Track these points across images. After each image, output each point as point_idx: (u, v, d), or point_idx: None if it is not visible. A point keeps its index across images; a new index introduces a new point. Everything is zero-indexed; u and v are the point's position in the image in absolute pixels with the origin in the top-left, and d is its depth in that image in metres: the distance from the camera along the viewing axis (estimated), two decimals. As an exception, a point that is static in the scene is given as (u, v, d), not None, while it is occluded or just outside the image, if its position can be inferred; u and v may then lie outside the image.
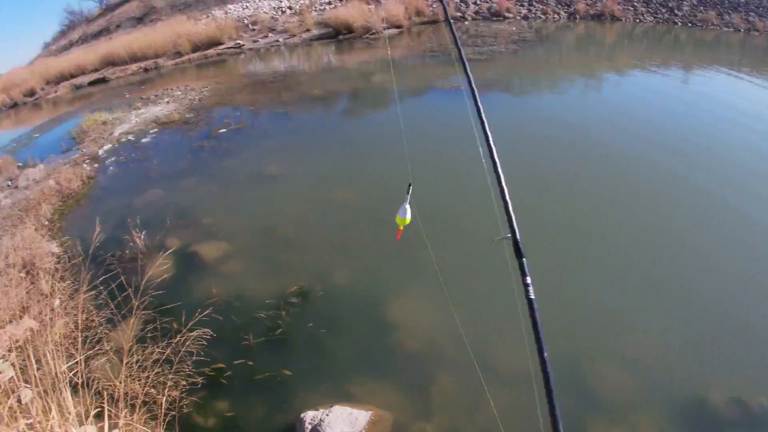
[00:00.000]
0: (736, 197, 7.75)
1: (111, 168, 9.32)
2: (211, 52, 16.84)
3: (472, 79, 3.01)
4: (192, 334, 4.44)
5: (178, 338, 4.42)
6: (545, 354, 2.25)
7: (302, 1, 21.08)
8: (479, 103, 3.07)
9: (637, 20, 29.12)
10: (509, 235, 2.57)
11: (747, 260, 6.63)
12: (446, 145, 8.93)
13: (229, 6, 21.29)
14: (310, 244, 6.51)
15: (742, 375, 5.25)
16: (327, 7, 21.17)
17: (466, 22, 23.04)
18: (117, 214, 7.43)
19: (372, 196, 7.56)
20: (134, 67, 17.84)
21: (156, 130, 10.64)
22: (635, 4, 30.92)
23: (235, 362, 4.80)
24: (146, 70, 17.26)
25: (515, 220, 2.60)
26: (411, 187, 3.33)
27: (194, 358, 4.43)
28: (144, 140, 10.17)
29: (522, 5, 26.34)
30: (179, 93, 13.06)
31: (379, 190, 7.70)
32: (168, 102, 12.44)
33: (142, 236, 6.29)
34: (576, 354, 5.09)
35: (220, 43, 17.29)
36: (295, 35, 18.25)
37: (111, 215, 7.37)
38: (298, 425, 4.28)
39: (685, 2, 34.11)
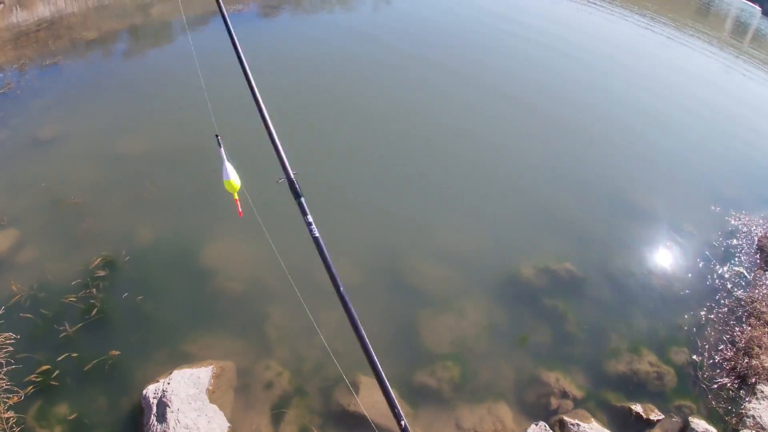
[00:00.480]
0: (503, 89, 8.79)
1: None
2: None
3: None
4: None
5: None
6: (341, 289, 2.60)
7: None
8: (234, 38, 2.96)
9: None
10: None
11: (527, 140, 7.70)
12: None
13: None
14: (105, 207, 6.26)
15: (545, 248, 6.31)
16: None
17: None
18: None
19: (163, 142, 7.44)
20: None
21: None
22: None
23: (59, 358, 4.59)
24: None
25: (286, 161, 2.71)
26: (220, 139, 3.04)
27: (10, 368, 4.21)
28: None
29: None
30: None
31: (171, 134, 7.66)
32: None
33: None
34: (394, 260, 5.69)
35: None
36: (56, -30, 16.39)
37: None
38: (144, 403, 4.24)
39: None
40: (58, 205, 6.29)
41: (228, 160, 3.04)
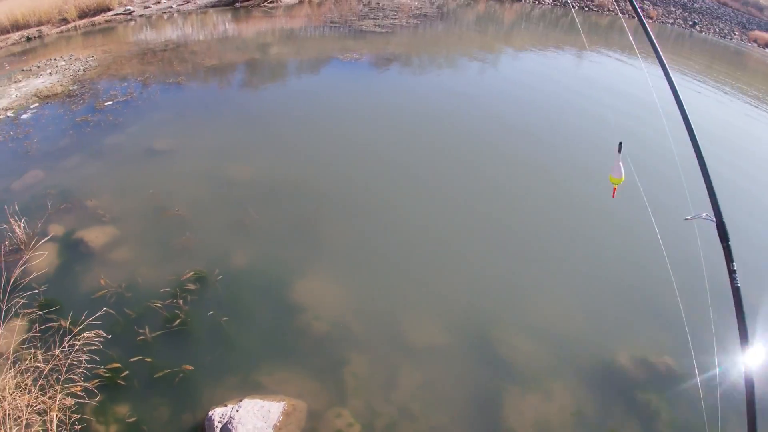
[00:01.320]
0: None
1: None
2: (99, 18, 15.75)
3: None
4: (84, 334, 4.10)
5: (66, 340, 4.05)
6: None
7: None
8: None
9: (536, 2, 30.07)
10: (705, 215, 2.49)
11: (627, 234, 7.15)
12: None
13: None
14: (205, 224, 6.28)
15: (645, 336, 5.70)
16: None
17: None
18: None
19: (269, 174, 7.45)
20: (16, 35, 16.51)
21: (37, 104, 9.91)
22: (536, -15, 31.85)
23: (132, 360, 4.49)
24: (29, 39, 16.05)
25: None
26: (622, 145, 3.12)
27: (87, 357, 4.07)
28: (24, 116, 9.47)
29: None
30: (63, 63, 12.22)
31: (277, 167, 7.66)
32: (51, 73, 11.62)
33: (22, 224, 5.74)
34: (485, 326, 5.32)
35: (109, 9, 16.23)
36: (189, 1, 17.45)
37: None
38: (207, 425, 4.02)
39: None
40: (161, 213, 6.38)
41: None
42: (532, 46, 19.07)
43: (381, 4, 21.09)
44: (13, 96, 10.53)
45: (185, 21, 16.21)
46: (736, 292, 2.22)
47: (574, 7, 31.94)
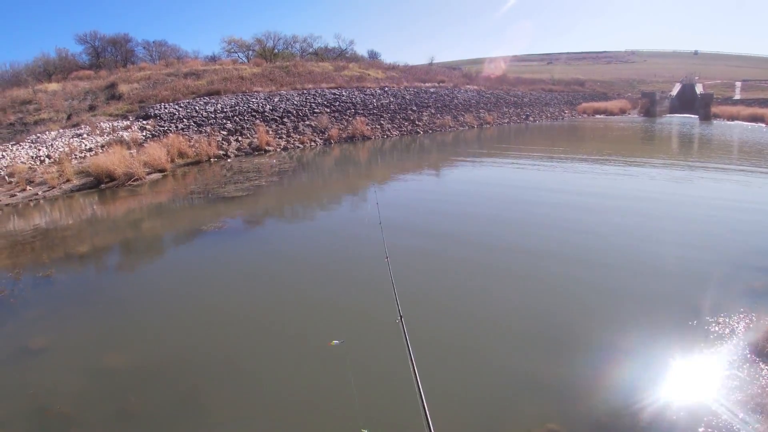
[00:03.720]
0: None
1: None
2: None
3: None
4: None
5: None
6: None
7: (61, 149, 20.81)
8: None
9: (385, 136, 33.58)
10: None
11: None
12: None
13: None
14: (90, 418, 6.41)
15: (525, 409, 6.18)
16: (88, 154, 21.09)
17: (229, 159, 24.64)
18: None
19: (147, 357, 7.79)
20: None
21: None
22: (381, 122, 35.63)
23: None
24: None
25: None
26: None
27: None
28: None
29: (281, 137, 28.91)
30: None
31: (154, 349, 8.04)
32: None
33: None
34: None
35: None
36: (54, 186, 17.89)
37: None
38: None
39: (424, 113, 40.26)
40: (44, 413, 6.45)
41: None
42: (393, 174, 21.49)
43: (243, 167, 22.77)
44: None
45: (52, 207, 16.42)
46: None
47: (419, 132, 35.94)
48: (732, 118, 40.03)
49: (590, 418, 6.06)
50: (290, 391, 7.05)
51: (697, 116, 42.17)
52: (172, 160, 22.26)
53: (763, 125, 36.60)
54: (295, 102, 33.37)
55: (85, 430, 6.24)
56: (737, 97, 47.86)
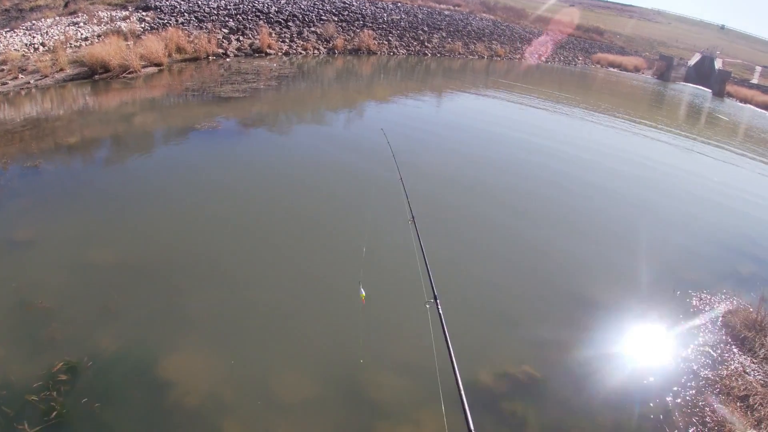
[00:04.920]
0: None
1: None
2: None
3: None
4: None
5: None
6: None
7: (56, 38, 20.01)
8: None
9: (392, 53, 32.52)
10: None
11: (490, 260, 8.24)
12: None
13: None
14: (73, 313, 6.44)
15: (503, 351, 6.49)
16: (83, 43, 20.27)
17: (228, 59, 23.87)
18: None
19: (132, 255, 7.78)
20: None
21: None
22: (389, 38, 34.42)
23: None
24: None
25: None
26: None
27: None
28: None
29: (283, 41, 27.90)
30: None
31: (140, 247, 8.04)
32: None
33: None
34: (352, 371, 5.92)
35: (-38, 87, 15.78)
36: (47, 75, 17.31)
37: None
38: None
39: (434, 35, 38.91)
40: (26, 307, 6.47)
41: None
42: (394, 94, 21.41)
43: (241, 68, 22.18)
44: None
45: (44, 96, 15.98)
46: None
47: (427, 54, 34.95)
48: (745, 100, 38.91)
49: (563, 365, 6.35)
50: (275, 301, 7.16)
51: (710, 90, 40.91)
52: (170, 55, 21.48)
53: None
54: (302, 6, 32.04)
55: (66, 325, 6.28)
56: (755, 81, 46.49)
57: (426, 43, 37.22)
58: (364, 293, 4.40)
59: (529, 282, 8.30)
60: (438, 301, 3.88)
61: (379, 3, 38.83)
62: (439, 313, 3.77)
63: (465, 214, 10.42)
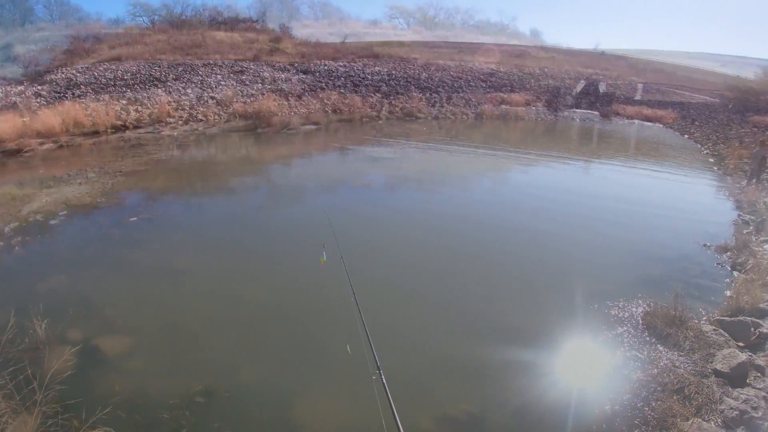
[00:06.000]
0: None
1: (16, 248, 8.91)
2: (129, 134, 16.90)
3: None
4: None
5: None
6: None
7: (225, 92, 21.79)
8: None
9: (539, 118, 31.69)
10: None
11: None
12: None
13: (154, 90, 21.61)
14: (217, 342, 6.45)
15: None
16: (248, 100, 21.98)
17: (380, 121, 24.50)
18: (18, 298, 7.07)
19: (281, 295, 7.74)
20: (50, 141, 17.66)
21: (66, 212, 10.44)
22: (538, 104, 33.88)
23: None
24: (61, 146, 17.16)
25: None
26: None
27: None
28: (52, 222, 9.95)
29: (433, 106, 28.37)
30: (93, 175, 12.98)
31: (288, 289, 7.96)
32: (80, 183, 12.34)
33: (43, 325, 6.00)
34: None
35: (140, 127, 17.40)
36: (215, 125, 18.77)
37: (12, 299, 7.05)
38: None
39: (583, 101, 37.94)
40: (175, 328, 6.61)
41: None
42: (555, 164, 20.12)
43: (393, 131, 22.51)
44: (44, 200, 11.16)
45: (210, 143, 17.29)
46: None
47: (575, 120, 33.60)
48: (631, 117, 35.66)
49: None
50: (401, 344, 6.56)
51: (598, 113, 37.88)
52: (327, 114, 22.66)
53: (660, 125, 32.73)
54: (452, 73, 32.62)
55: (208, 351, 6.29)
56: (638, 97, 43.88)
57: (575, 108, 36.36)
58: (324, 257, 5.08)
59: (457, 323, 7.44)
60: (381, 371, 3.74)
61: (526, 68, 38.67)
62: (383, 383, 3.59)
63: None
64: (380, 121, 24.90)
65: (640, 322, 7.17)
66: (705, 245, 9.89)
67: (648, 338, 6.83)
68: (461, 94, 31.18)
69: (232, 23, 42.18)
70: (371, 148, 18.86)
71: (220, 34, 33.74)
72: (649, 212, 12.52)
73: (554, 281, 8.71)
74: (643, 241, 10.38)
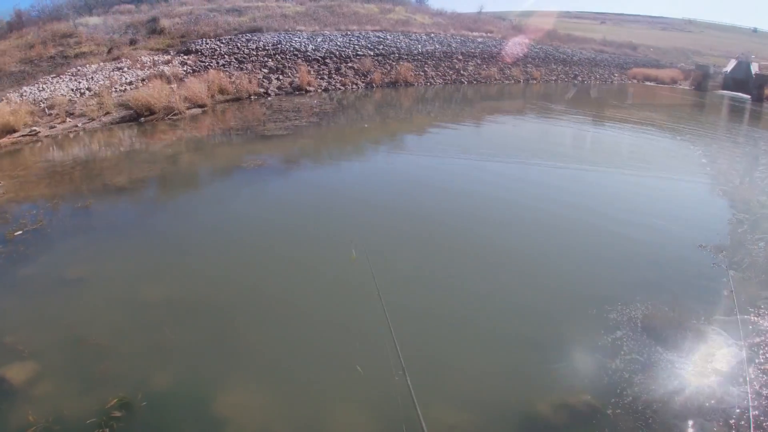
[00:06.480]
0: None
1: None
2: (4, 141, 15.68)
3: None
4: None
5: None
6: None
7: (101, 82, 20.60)
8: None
9: (429, 83, 32.51)
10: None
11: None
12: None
13: (25, 88, 19.95)
14: (125, 350, 6.33)
15: (558, 382, 5.98)
16: (128, 87, 20.87)
17: (269, 98, 24.19)
18: None
19: (183, 292, 7.64)
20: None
21: None
22: (425, 69, 34.51)
23: None
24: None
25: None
26: None
27: None
28: None
29: (322, 78, 28.24)
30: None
31: (190, 284, 7.89)
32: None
33: None
34: (410, 408, 5.53)
35: (14, 131, 16.20)
36: (94, 119, 17.72)
37: None
38: None
39: (469, 63, 38.86)
40: (80, 343, 6.38)
41: None
42: (433, 125, 20.91)
43: (282, 106, 22.41)
44: None
45: (92, 139, 16.32)
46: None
47: (463, 82, 34.82)
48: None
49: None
50: (324, 332, 6.85)
51: (749, 96, 39.52)
52: (212, 96, 21.90)
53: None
54: (339, 43, 32.49)
55: (119, 361, 6.15)
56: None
57: (462, 72, 37.06)
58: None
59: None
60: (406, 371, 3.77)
61: (413, 35, 39.06)
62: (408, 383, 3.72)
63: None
64: (269, 98, 24.57)
65: (639, 324, 7.15)
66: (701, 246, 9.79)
67: (647, 340, 6.85)
68: (349, 64, 31.20)
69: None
70: (262, 126, 18.76)
71: (94, 19, 31.58)
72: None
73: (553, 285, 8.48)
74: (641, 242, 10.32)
